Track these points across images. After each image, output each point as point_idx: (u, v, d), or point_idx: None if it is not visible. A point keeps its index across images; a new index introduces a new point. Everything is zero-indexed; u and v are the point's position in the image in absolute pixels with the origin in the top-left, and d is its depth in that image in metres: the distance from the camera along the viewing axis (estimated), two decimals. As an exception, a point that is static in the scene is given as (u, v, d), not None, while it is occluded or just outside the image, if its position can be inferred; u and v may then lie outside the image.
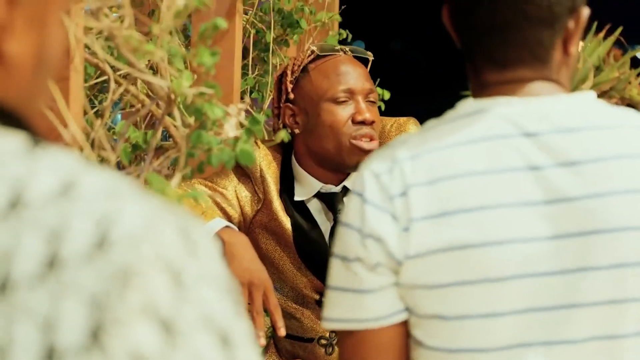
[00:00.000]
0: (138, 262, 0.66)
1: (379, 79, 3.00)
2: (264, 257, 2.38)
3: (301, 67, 2.41)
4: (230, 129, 1.58)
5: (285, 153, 2.44)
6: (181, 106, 1.68)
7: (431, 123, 1.41)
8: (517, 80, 1.38)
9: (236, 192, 2.38)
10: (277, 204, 2.38)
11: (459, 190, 1.33)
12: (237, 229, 2.18)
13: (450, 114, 1.41)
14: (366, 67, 2.48)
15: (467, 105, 1.40)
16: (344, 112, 2.36)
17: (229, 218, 2.35)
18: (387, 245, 1.34)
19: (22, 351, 0.64)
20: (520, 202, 1.32)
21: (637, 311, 1.34)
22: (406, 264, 1.34)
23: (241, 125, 1.63)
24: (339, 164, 2.37)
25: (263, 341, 2.08)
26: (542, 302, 1.32)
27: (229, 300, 0.70)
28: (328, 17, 3.01)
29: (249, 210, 2.38)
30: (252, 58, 2.80)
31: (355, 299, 1.38)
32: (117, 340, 0.64)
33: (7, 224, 0.66)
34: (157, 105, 2.01)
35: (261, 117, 1.63)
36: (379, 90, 3.03)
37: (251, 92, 2.82)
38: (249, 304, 2.07)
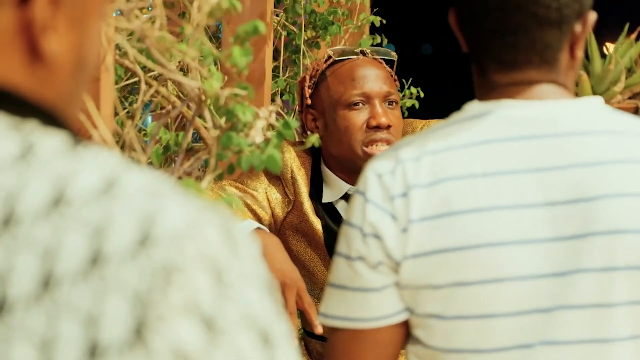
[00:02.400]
0: (181, 259, 0.66)
1: (411, 79, 2.99)
2: (295, 259, 2.38)
3: (319, 72, 2.40)
4: (257, 134, 1.58)
5: (314, 155, 2.43)
6: (212, 108, 1.67)
7: (437, 124, 1.42)
8: (524, 82, 1.39)
9: (267, 194, 2.37)
10: (308, 206, 2.37)
11: (458, 192, 1.34)
12: (268, 231, 2.17)
13: (456, 116, 1.42)
14: (392, 68, 2.45)
15: (473, 107, 1.41)
16: (358, 118, 2.34)
17: (259, 220, 2.34)
18: (386, 245, 1.36)
19: (66, 347, 0.64)
20: (518, 204, 1.33)
21: (627, 316, 1.34)
22: (404, 264, 1.36)
23: (272, 127, 1.62)
24: (355, 169, 2.35)
25: (294, 342, 2.06)
26: (538, 304, 1.33)
27: (270, 300, 0.70)
28: (364, 19, 2.99)
29: (279, 211, 2.38)
30: (283, 60, 2.79)
31: (358, 298, 1.39)
32: (160, 337, 0.64)
33: (50, 221, 0.66)
34: (188, 106, 2.01)
35: (293, 122, 1.62)
36: (413, 89, 3.02)
37: (282, 94, 2.81)
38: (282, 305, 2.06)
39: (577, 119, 1.37)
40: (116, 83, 2.10)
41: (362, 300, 1.39)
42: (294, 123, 1.62)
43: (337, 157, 2.38)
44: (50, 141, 0.71)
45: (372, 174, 1.40)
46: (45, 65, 0.75)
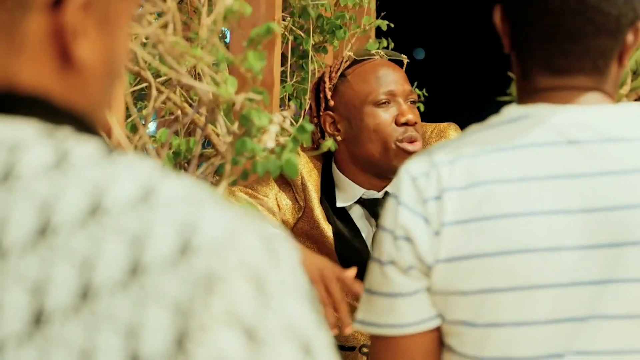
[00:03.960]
0: (222, 268, 0.65)
1: (416, 82, 2.98)
2: (305, 266, 2.36)
3: (339, 74, 2.38)
4: (270, 139, 1.56)
5: (325, 161, 2.41)
6: (223, 113, 1.65)
7: (473, 128, 1.40)
8: (570, 87, 1.36)
9: (277, 200, 2.35)
10: (319, 212, 2.35)
11: (493, 197, 1.32)
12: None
13: (493, 119, 1.39)
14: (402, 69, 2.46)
15: (511, 111, 1.38)
16: (386, 115, 2.34)
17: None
18: (418, 248, 1.34)
19: (105, 359, 0.63)
20: (554, 210, 1.30)
21: None
22: (436, 268, 1.33)
23: (286, 132, 1.60)
24: (385, 168, 2.34)
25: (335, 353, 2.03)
26: (571, 313, 1.31)
27: (311, 310, 0.69)
28: (370, 23, 2.97)
29: (290, 218, 2.36)
30: (290, 65, 2.77)
31: (389, 303, 1.37)
32: (202, 347, 0.63)
33: (87, 230, 0.65)
34: (198, 112, 1.99)
35: (309, 126, 1.60)
36: (417, 91, 3.01)
37: (289, 99, 2.79)
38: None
39: (617, 125, 1.34)
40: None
41: (392, 305, 1.37)
42: (310, 127, 1.60)
43: (362, 158, 2.36)
44: (84, 148, 0.70)
45: (406, 176, 1.38)
46: (77, 71, 0.74)
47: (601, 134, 1.33)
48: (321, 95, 2.39)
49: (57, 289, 0.63)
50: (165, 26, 1.60)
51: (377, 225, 2.34)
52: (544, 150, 1.33)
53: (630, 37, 1.35)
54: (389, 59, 2.43)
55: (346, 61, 2.40)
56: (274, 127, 1.60)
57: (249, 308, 0.65)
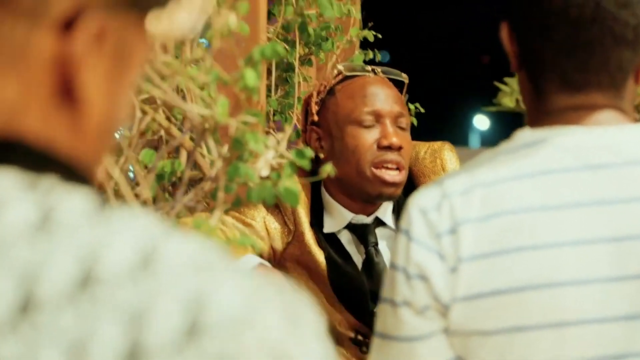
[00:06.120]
0: (238, 351, 0.55)
1: (408, 95, 2.87)
2: (296, 292, 2.23)
3: (327, 88, 2.24)
4: (264, 167, 1.43)
5: (314, 181, 2.27)
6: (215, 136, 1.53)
7: (485, 155, 1.30)
8: (586, 106, 1.27)
9: (265, 224, 2.21)
10: (309, 236, 2.21)
11: (514, 228, 1.22)
12: (270, 265, 2.02)
13: (505, 145, 1.29)
14: (401, 90, 2.30)
15: (525, 135, 1.28)
16: (368, 136, 2.17)
17: (258, 251, 2.19)
18: (433, 287, 1.24)
19: None
20: (582, 240, 1.21)
21: None
22: (454, 307, 1.23)
23: (282, 156, 1.48)
24: (362, 193, 2.19)
25: None
26: (605, 350, 1.21)
27: None
28: (356, 34, 2.86)
29: (279, 242, 2.22)
30: (275, 78, 2.65)
31: (405, 348, 1.27)
32: None
33: (78, 306, 0.54)
34: (184, 133, 1.86)
35: (308, 151, 1.47)
36: (411, 106, 2.89)
37: (274, 114, 2.67)
38: None
39: (639, 146, 1.25)
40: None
41: (408, 350, 1.27)
42: (309, 152, 1.48)
43: (342, 179, 2.20)
44: (73, 203, 0.58)
45: (416, 210, 1.27)
46: (75, 110, 0.62)
47: (625, 156, 1.24)
48: (308, 109, 2.26)
49: None
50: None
51: (366, 252, 2.22)
52: (566, 177, 1.24)
53: None
54: (388, 78, 2.28)
55: (337, 75, 2.26)
56: (270, 153, 1.48)
57: None
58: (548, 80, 1.28)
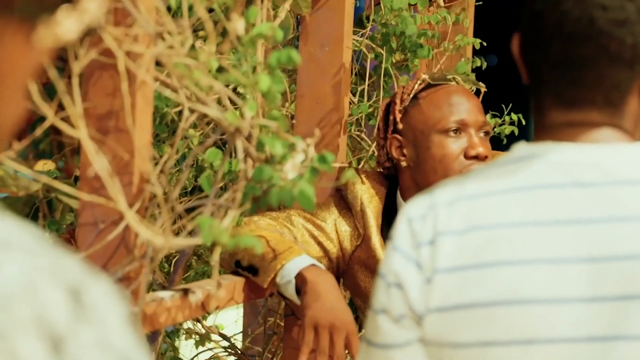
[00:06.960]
0: (9, 325, 0.56)
1: (511, 104, 2.84)
2: (363, 296, 2.26)
3: (411, 96, 2.26)
4: (292, 169, 1.46)
5: (390, 187, 2.29)
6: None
7: (479, 167, 1.28)
8: (582, 123, 1.24)
9: (336, 226, 2.25)
10: (376, 240, 2.24)
11: (492, 242, 1.21)
12: (323, 267, 2.05)
13: (501, 158, 1.28)
14: (478, 97, 2.31)
15: (520, 149, 1.27)
16: (455, 146, 2.19)
17: (326, 252, 2.23)
18: (409, 296, 1.24)
19: None
20: (557, 258, 1.19)
21: None
22: (428, 317, 1.23)
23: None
24: None
25: None
26: None
27: None
28: (465, 42, 2.85)
29: (348, 245, 2.25)
30: (369, 84, 2.68)
31: (383, 355, 1.28)
32: None
33: None
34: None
35: (330, 156, 1.50)
36: (513, 116, 2.87)
37: (369, 119, 2.69)
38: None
39: (631, 167, 1.22)
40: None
41: (386, 357, 1.28)
42: (331, 157, 1.50)
43: (425, 187, 2.21)
44: None
45: (404, 218, 1.28)
46: None
47: (613, 175, 1.21)
48: (390, 117, 2.28)
49: None
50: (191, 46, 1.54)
51: None
52: (550, 193, 1.22)
53: None
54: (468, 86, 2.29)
55: (420, 83, 2.27)
56: (300, 156, 1.51)
57: None
58: (545, 94, 1.27)
